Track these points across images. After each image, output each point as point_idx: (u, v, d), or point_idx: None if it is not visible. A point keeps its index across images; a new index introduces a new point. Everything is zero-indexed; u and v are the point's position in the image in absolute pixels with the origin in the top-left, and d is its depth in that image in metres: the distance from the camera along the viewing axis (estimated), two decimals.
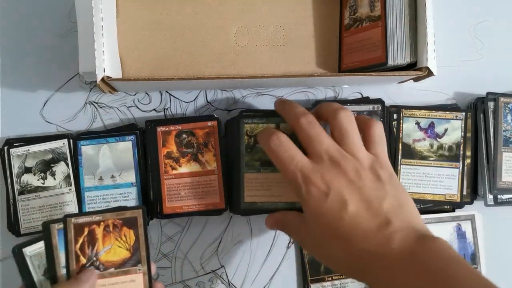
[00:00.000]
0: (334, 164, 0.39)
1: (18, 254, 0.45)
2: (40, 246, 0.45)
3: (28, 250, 0.46)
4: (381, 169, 0.40)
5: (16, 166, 0.53)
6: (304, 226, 0.40)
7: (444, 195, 0.55)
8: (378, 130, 0.42)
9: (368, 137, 0.42)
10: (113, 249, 0.44)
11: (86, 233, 0.44)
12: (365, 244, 0.36)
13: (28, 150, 0.53)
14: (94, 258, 0.44)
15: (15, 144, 0.53)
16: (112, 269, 0.44)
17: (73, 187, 0.53)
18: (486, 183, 0.55)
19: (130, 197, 0.53)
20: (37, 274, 0.45)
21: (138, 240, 0.45)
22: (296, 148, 0.40)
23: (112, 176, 0.53)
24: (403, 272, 0.34)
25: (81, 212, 0.52)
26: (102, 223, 0.44)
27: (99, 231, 0.44)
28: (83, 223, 0.44)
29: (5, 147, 0.53)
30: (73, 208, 0.53)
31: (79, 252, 0.44)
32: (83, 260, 0.44)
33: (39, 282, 0.45)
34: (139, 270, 0.45)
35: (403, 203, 0.39)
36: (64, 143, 0.53)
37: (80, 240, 0.44)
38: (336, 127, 0.42)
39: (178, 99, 0.57)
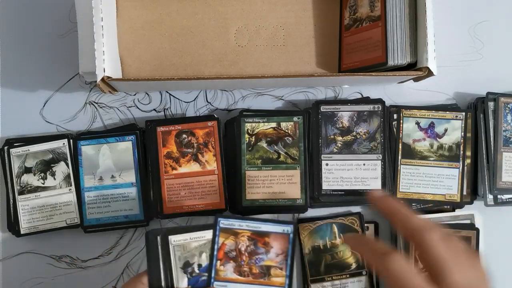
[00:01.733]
0: None
1: (162, 240, 0.42)
2: (185, 238, 0.42)
3: (174, 239, 0.42)
4: None
5: (16, 166, 0.53)
6: None
7: (444, 195, 0.54)
8: (482, 262, 0.36)
9: (478, 272, 0.35)
10: None
11: None
12: None
13: (28, 150, 0.53)
14: None
15: (15, 144, 0.53)
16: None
17: (73, 187, 0.53)
18: (486, 183, 0.55)
19: (130, 197, 0.53)
20: (176, 266, 0.42)
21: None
22: (422, 275, 0.32)
23: (112, 176, 0.53)
24: None
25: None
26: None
27: None
28: None
29: (5, 147, 0.53)
30: (73, 208, 0.53)
31: (417, 257, 0.43)
32: (420, 265, 0.44)
33: (176, 274, 0.42)
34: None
35: None
36: (64, 143, 0.53)
37: None
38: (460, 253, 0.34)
39: (178, 99, 0.57)
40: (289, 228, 0.42)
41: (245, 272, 0.42)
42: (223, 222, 0.42)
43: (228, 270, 0.42)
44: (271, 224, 0.42)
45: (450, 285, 0.32)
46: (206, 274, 0.42)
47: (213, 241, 0.41)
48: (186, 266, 0.42)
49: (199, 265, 0.42)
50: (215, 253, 0.41)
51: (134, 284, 0.40)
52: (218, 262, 0.42)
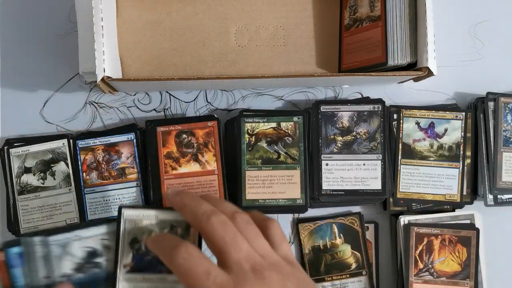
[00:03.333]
0: (257, 275, 0.32)
1: (119, 212, 0.42)
2: (138, 214, 0.42)
3: (127, 213, 0.43)
4: (297, 270, 0.35)
5: (16, 166, 0.53)
6: None
7: (444, 195, 0.55)
8: (278, 229, 0.38)
9: (272, 239, 0.37)
10: (446, 261, 0.52)
11: (425, 242, 0.52)
12: None
13: (28, 150, 0.53)
14: (430, 266, 0.52)
15: (15, 144, 0.53)
16: (443, 278, 0.52)
17: (73, 187, 0.53)
18: (486, 183, 0.55)
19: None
20: (124, 240, 0.42)
21: (469, 258, 0.52)
22: (209, 260, 0.33)
23: None
24: None
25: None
26: (439, 236, 0.52)
27: (436, 243, 0.52)
28: (423, 233, 0.52)
29: (5, 147, 0.53)
30: (72, 208, 0.53)
31: (417, 258, 0.52)
32: (420, 265, 0.52)
33: (122, 248, 0.42)
34: (467, 284, 0.52)
35: None
36: (64, 143, 0.53)
37: (420, 248, 0.52)
38: (239, 230, 0.35)
39: (178, 99, 0.57)
40: (131, 135, 0.52)
41: (106, 177, 0.52)
42: (81, 143, 0.52)
43: (93, 178, 0.52)
44: (117, 136, 0.53)
45: (234, 262, 0.32)
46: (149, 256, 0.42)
47: (117, 233, 0.42)
48: (134, 242, 0.42)
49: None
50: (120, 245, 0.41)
51: None
52: (84, 173, 0.52)
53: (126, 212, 0.42)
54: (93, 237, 0.39)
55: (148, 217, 0.42)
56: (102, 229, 0.40)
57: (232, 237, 0.33)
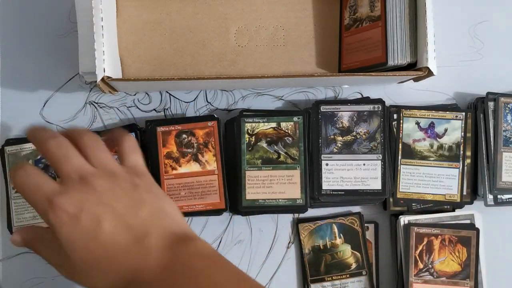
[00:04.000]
0: (83, 183, 0.35)
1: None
2: (17, 148, 0.53)
3: (8, 149, 0.53)
4: (137, 177, 0.37)
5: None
6: (62, 251, 0.35)
7: (444, 195, 0.54)
8: (128, 142, 0.40)
9: (121, 151, 0.40)
10: (446, 261, 0.52)
11: (425, 242, 0.52)
12: (126, 261, 0.34)
13: (21, 149, 0.53)
14: (430, 266, 0.52)
15: (10, 141, 0.53)
16: (443, 278, 0.52)
17: None
18: (486, 183, 0.55)
19: None
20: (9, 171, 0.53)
21: (469, 258, 0.52)
22: (46, 176, 0.35)
23: None
24: (166, 283, 0.33)
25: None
26: (439, 236, 0.52)
27: (436, 243, 0.52)
28: (423, 233, 0.52)
29: (5, 147, 0.53)
30: None
31: (417, 258, 0.52)
32: (420, 265, 0.52)
33: (9, 180, 0.53)
34: (467, 284, 0.52)
35: (162, 207, 0.37)
36: None
37: (420, 248, 0.52)
38: (82, 148, 0.38)
39: (178, 99, 0.57)
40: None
41: None
42: None
43: None
44: None
45: (63, 174, 0.35)
46: None
47: None
48: None
49: None
50: None
51: None
52: None
53: (8, 148, 0.53)
54: None
55: (26, 149, 0.53)
56: None
57: (64, 153, 0.36)
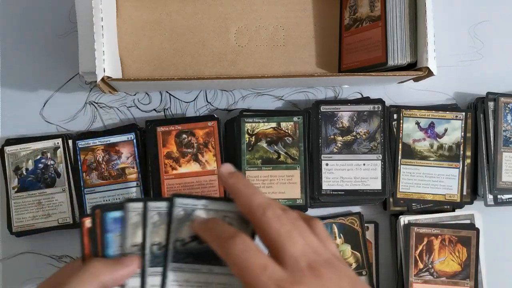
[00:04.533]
0: (314, 273, 0.31)
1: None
2: (16, 148, 0.53)
3: (8, 149, 0.53)
4: (347, 268, 0.34)
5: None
6: None
7: (444, 195, 0.54)
8: (323, 227, 0.36)
9: (320, 236, 0.35)
10: (446, 261, 0.52)
11: (425, 242, 0.52)
12: None
13: (20, 149, 0.53)
14: (430, 266, 0.52)
15: (10, 141, 0.53)
16: (443, 278, 0.52)
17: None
18: (486, 183, 0.55)
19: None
20: (9, 169, 0.53)
21: (469, 258, 0.52)
22: (265, 254, 0.32)
23: None
24: None
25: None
26: (439, 236, 0.52)
27: (436, 243, 0.52)
28: (423, 233, 0.52)
29: (5, 147, 0.53)
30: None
31: (417, 258, 0.52)
32: (420, 265, 0.52)
33: (9, 175, 0.53)
34: (467, 284, 0.52)
35: None
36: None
37: (420, 248, 0.52)
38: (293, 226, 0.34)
39: (178, 99, 0.57)
40: (131, 135, 0.53)
41: (106, 177, 0.53)
42: (81, 143, 0.53)
43: (93, 178, 0.53)
44: (117, 136, 0.53)
45: (290, 258, 0.31)
46: (33, 175, 0.52)
47: None
48: (17, 169, 0.53)
49: (26, 169, 0.53)
50: None
51: None
52: (84, 173, 0.53)
53: (8, 148, 0.53)
54: (218, 211, 0.37)
55: (25, 149, 0.52)
56: (229, 207, 0.37)
57: (288, 232, 0.32)
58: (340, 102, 0.55)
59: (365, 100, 0.56)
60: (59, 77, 0.56)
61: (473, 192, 0.56)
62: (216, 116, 0.54)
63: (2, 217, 0.54)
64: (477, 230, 0.53)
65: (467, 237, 0.53)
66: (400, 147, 0.55)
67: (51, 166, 0.53)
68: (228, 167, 0.36)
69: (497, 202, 0.55)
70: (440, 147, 0.55)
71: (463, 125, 0.55)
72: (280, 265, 0.31)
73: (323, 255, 0.33)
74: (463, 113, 0.55)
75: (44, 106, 0.56)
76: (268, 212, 0.32)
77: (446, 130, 0.55)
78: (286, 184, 0.53)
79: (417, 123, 0.55)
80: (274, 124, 0.54)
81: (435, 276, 0.53)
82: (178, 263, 0.35)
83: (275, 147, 0.54)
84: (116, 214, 0.34)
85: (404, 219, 0.54)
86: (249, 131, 0.54)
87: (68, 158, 0.53)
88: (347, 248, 0.54)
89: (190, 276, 0.35)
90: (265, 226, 0.32)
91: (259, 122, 0.54)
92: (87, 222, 0.34)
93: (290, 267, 0.31)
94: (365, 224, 0.55)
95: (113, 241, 0.35)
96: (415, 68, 0.51)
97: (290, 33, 0.56)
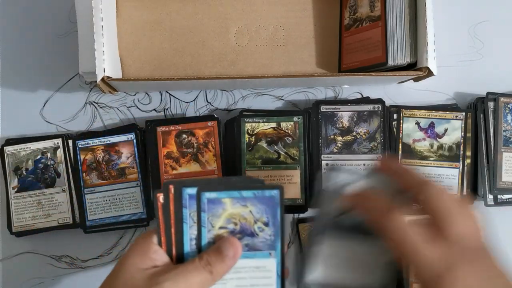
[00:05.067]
0: (475, 255, 0.34)
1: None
2: (16, 148, 0.53)
3: (8, 149, 0.53)
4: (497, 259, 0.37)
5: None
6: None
7: None
8: (477, 215, 0.37)
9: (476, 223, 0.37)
10: None
11: None
12: None
13: (20, 149, 0.53)
14: None
15: (10, 141, 0.53)
16: None
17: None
18: (486, 183, 0.55)
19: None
20: (9, 169, 0.53)
21: None
22: (423, 228, 0.33)
23: None
24: None
25: None
26: None
27: None
28: None
29: (5, 147, 0.53)
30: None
31: None
32: None
33: (9, 176, 0.53)
34: None
35: None
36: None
37: None
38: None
39: (178, 99, 0.57)
40: (131, 135, 0.53)
41: (106, 177, 0.53)
42: (81, 143, 0.52)
43: (93, 178, 0.52)
44: (117, 136, 0.53)
45: (456, 236, 0.32)
46: (33, 175, 0.52)
47: None
48: (17, 169, 0.53)
49: (26, 169, 0.53)
50: None
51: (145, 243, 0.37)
52: (84, 173, 0.52)
53: (8, 148, 0.53)
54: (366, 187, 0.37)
55: (25, 149, 0.53)
56: (377, 183, 0.36)
57: (456, 209, 0.33)
58: (340, 102, 0.55)
59: (365, 100, 0.56)
60: (59, 77, 0.56)
61: (473, 192, 0.56)
62: (216, 116, 0.54)
63: (2, 217, 0.54)
64: None
65: None
66: (400, 147, 0.55)
67: (51, 166, 0.53)
68: (386, 159, 0.38)
69: (497, 202, 0.55)
70: (440, 147, 0.55)
71: (463, 125, 0.55)
72: (440, 241, 0.32)
73: (481, 241, 0.34)
74: (463, 113, 0.55)
75: (44, 106, 0.56)
76: (435, 187, 0.33)
77: (446, 130, 0.55)
78: (286, 184, 0.53)
79: (417, 123, 0.55)
80: (274, 124, 0.54)
81: None
82: (329, 237, 0.35)
83: (275, 147, 0.54)
84: (193, 190, 0.35)
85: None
86: (249, 131, 0.53)
87: (68, 158, 0.53)
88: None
89: (338, 250, 0.36)
90: (433, 199, 0.33)
91: (259, 122, 0.54)
92: (161, 198, 0.35)
93: (456, 244, 0.32)
94: None
95: (187, 217, 0.35)
96: (415, 68, 0.51)
97: (290, 33, 0.56)
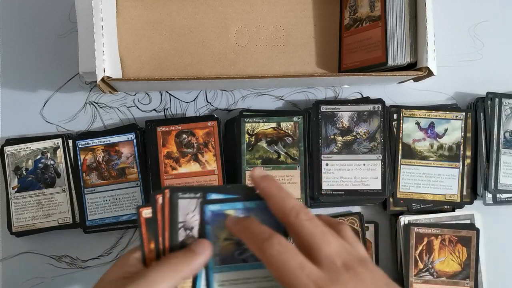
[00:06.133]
0: (351, 272, 0.32)
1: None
2: (16, 148, 0.53)
3: (8, 149, 0.53)
4: (379, 269, 0.35)
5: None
6: None
7: (444, 195, 0.54)
8: (350, 231, 0.37)
9: (348, 240, 0.36)
10: (446, 261, 0.53)
11: (425, 242, 0.53)
12: None
13: (20, 149, 0.53)
14: (430, 266, 0.52)
15: (10, 141, 0.53)
16: (443, 278, 0.52)
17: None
18: (486, 182, 0.55)
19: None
20: (9, 169, 0.53)
21: (469, 258, 0.52)
22: (301, 254, 0.32)
23: None
24: None
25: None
26: (439, 236, 0.52)
27: (436, 243, 0.53)
28: (423, 233, 0.52)
29: (5, 147, 0.53)
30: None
31: (417, 258, 0.53)
32: (420, 265, 0.53)
33: (9, 176, 0.53)
34: (467, 284, 0.52)
35: None
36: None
37: (420, 248, 0.53)
38: (338, 231, 0.35)
39: (178, 99, 0.57)
40: (131, 135, 0.53)
41: (106, 177, 0.53)
42: (81, 143, 0.53)
43: (93, 178, 0.52)
44: (117, 136, 0.53)
45: (326, 258, 0.32)
46: (33, 175, 0.52)
47: None
48: (17, 169, 0.53)
49: (26, 169, 0.53)
50: None
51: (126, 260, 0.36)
52: (84, 173, 0.52)
53: (7, 148, 0.53)
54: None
55: (25, 149, 0.53)
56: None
57: (322, 233, 0.33)
58: (340, 102, 0.55)
59: (365, 100, 0.56)
60: (59, 77, 0.56)
61: (473, 192, 0.56)
62: (216, 116, 0.54)
63: (2, 217, 0.54)
64: (477, 230, 0.53)
65: (467, 237, 0.53)
66: (400, 147, 0.55)
67: (51, 166, 0.53)
68: (260, 171, 0.36)
69: (496, 201, 0.55)
70: (440, 147, 0.55)
71: (463, 125, 0.55)
72: (316, 265, 0.32)
73: (356, 256, 0.33)
74: (463, 113, 0.55)
75: (44, 106, 0.56)
76: (301, 214, 0.33)
77: (446, 130, 0.55)
78: (286, 184, 0.53)
79: (417, 123, 0.55)
80: (274, 124, 0.54)
81: (435, 276, 0.53)
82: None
83: (275, 147, 0.54)
84: (216, 207, 0.34)
85: (404, 219, 0.54)
86: (249, 131, 0.53)
87: (68, 158, 0.53)
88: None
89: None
90: (300, 228, 0.33)
91: (259, 122, 0.54)
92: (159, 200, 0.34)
93: (327, 266, 0.32)
94: (365, 224, 0.55)
95: (211, 234, 0.34)
96: (415, 68, 0.51)
97: (290, 33, 0.56)
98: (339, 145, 0.54)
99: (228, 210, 0.34)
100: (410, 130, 0.55)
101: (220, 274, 0.35)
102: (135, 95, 0.57)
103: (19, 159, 0.53)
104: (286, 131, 0.54)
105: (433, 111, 0.55)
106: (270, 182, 0.35)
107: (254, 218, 0.35)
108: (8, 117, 0.56)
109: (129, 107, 0.56)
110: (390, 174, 0.54)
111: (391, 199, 0.55)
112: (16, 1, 0.57)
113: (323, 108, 0.54)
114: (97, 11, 0.47)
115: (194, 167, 0.53)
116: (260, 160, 0.53)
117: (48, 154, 0.53)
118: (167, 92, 0.57)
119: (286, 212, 0.34)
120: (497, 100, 0.55)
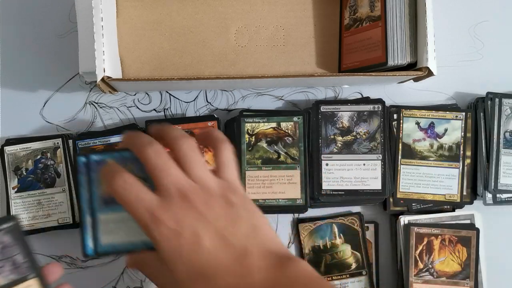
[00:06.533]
0: (183, 198, 0.35)
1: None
2: (16, 148, 0.53)
3: (8, 149, 0.53)
4: (233, 194, 0.37)
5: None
6: (164, 269, 0.36)
7: (444, 195, 0.54)
8: (226, 152, 0.39)
9: (218, 162, 0.39)
10: (446, 261, 0.53)
11: (425, 242, 0.53)
12: (227, 279, 0.34)
13: (20, 149, 0.53)
14: (430, 266, 0.53)
15: (10, 141, 0.54)
16: (443, 278, 0.52)
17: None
18: (486, 182, 0.55)
19: None
20: (9, 169, 0.53)
21: (469, 258, 0.52)
22: (143, 187, 0.35)
23: None
24: None
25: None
26: (439, 236, 0.53)
27: (436, 243, 0.53)
28: (423, 233, 0.53)
29: (5, 147, 0.53)
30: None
31: (417, 258, 0.53)
32: (420, 265, 0.53)
33: (8, 176, 0.53)
34: (467, 284, 0.52)
35: (258, 225, 0.37)
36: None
37: (420, 248, 0.53)
38: (179, 157, 0.37)
39: (178, 99, 0.57)
40: None
41: None
42: (81, 143, 0.53)
43: None
44: (117, 136, 0.53)
45: (163, 189, 0.35)
46: (33, 175, 0.53)
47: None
48: (17, 169, 0.53)
49: (26, 169, 0.53)
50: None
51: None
52: None
53: (7, 148, 0.53)
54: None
55: (25, 149, 0.53)
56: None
57: (163, 164, 0.35)
58: (340, 102, 0.55)
59: (365, 100, 0.56)
60: (59, 77, 0.56)
61: (473, 192, 0.56)
62: (216, 116, 0.54)
63: (2, 214, 0.54)
64: (477, 230, 0.53)
65: (467, 237, 0.53)
66: (400, 147, 0.55)
67: (51, 166, 0.53)
68: (131, 132, 0.38)
69: (496, 201, 0.55)
70: (440, 147, 0.55)
71: (463, 125, 0.55)
72: (156, 194, 0.35)
73: (203, 183, 0.36)
74: (463, 113, 0.55)
75: (44, 106, 0.56)
76: (147, 147, 0.36)
77: (446, 130, 0.55)
78: (286, 184, 0.53)
79: (417, 123, 0.55)
80: (274, 124, 0.54)
81: (435, 276, 0.53)
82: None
83: (275, 147, 0.54)
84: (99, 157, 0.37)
85: (404, 219, 0.54)
86: (249, 131, 0.54)
87: (68, 158, 0.53)
88: (347, 248, 0.54)
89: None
90: (145, 161, 0.36)
91: (259, 122, 0.54)
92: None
93: (162, 194, 0.35)
94: (365, 224, 0.55)
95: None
96: (415, 68, 0.51)
97: (290, 33, 0.56)
98: (339, 145, 0.54)
99: (108, 159, 0.37)
100: (410, 130, 0.55)
101: (105, 215, 0.37)
102: (135, 95, 0.57)
103: (19, 159, 0.53)
104: (286, 131, 0.54)
105: (433, 111, 0.55)
106: (133, 133, 0.38)
107: (113, 161, 0.37)
108: (8, 117, 0.56)
109: (129, 107, 0.56)
110: (390, 174, 0.54)
111: (391, 199, 0.55)
112: (16, 1, 0.57)
113: (323, 108, 0.54)
114: (97, 11, 0.47)
115: None
116: (260, 160, 0.53)
117: (48, 154, 0.53)
118: (167, 92, 0.57)
119: (137, 148, 0.36)
120: (497, 100, 0.55)
